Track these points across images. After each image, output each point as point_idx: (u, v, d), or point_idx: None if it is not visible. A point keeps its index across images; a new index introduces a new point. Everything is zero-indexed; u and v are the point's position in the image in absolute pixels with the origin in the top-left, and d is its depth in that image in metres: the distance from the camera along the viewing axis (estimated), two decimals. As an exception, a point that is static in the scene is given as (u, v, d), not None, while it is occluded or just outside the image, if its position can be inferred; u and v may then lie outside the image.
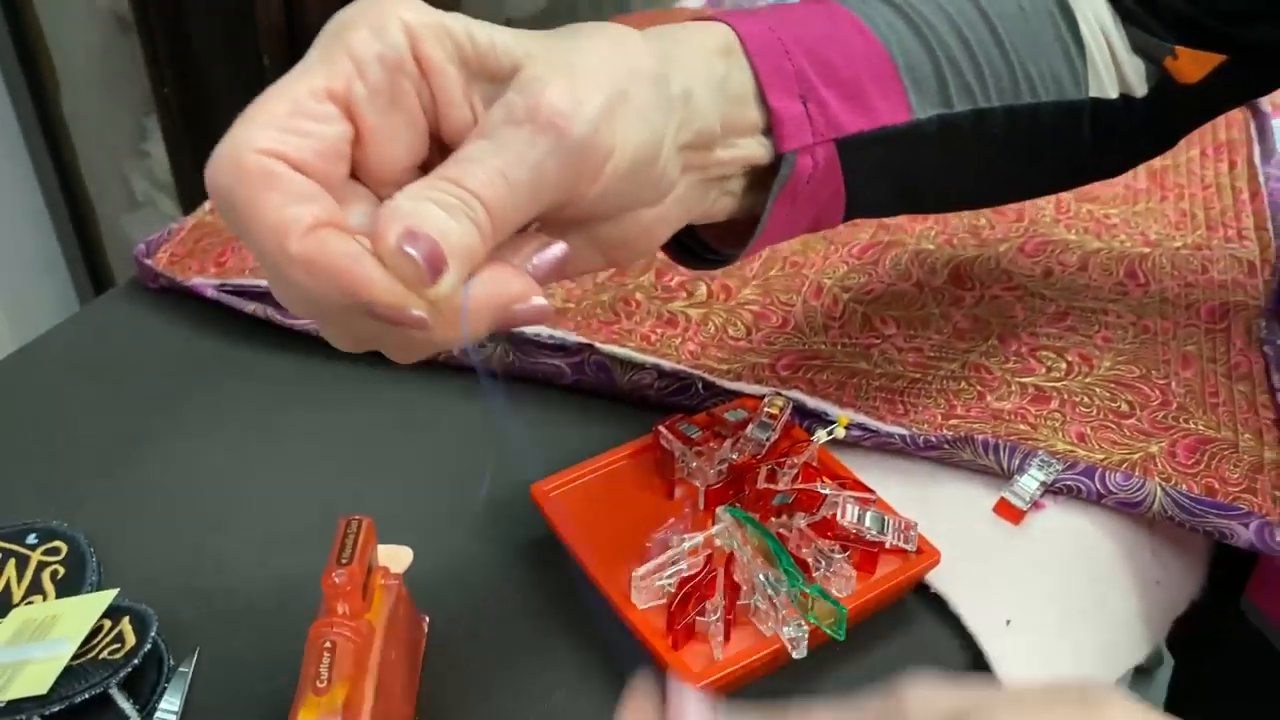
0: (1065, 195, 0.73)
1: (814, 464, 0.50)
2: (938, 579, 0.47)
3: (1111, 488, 0.50)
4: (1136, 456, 0.52)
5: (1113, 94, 0.48)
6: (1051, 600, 0.48)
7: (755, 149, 0.39)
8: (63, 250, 1.39)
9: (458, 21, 0.32)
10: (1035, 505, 0.51)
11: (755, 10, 0.41)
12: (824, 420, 0.53)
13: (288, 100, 0.30)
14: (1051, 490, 0.51)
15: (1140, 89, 0.48)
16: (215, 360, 0.61)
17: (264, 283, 0.61)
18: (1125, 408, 0.55)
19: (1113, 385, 0.56)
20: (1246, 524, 0.48)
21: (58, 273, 1.39)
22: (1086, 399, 0.55)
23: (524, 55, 0.32)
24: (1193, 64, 0.49)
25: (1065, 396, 0.55)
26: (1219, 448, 0.53)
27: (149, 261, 0.65)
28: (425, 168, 0.32)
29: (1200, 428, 0.54)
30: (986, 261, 0.66)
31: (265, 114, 0.30)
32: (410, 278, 0.29)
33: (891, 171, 0.43)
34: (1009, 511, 0.50)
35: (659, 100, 0.34)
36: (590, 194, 0.33)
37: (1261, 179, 0.74)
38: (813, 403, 0.54)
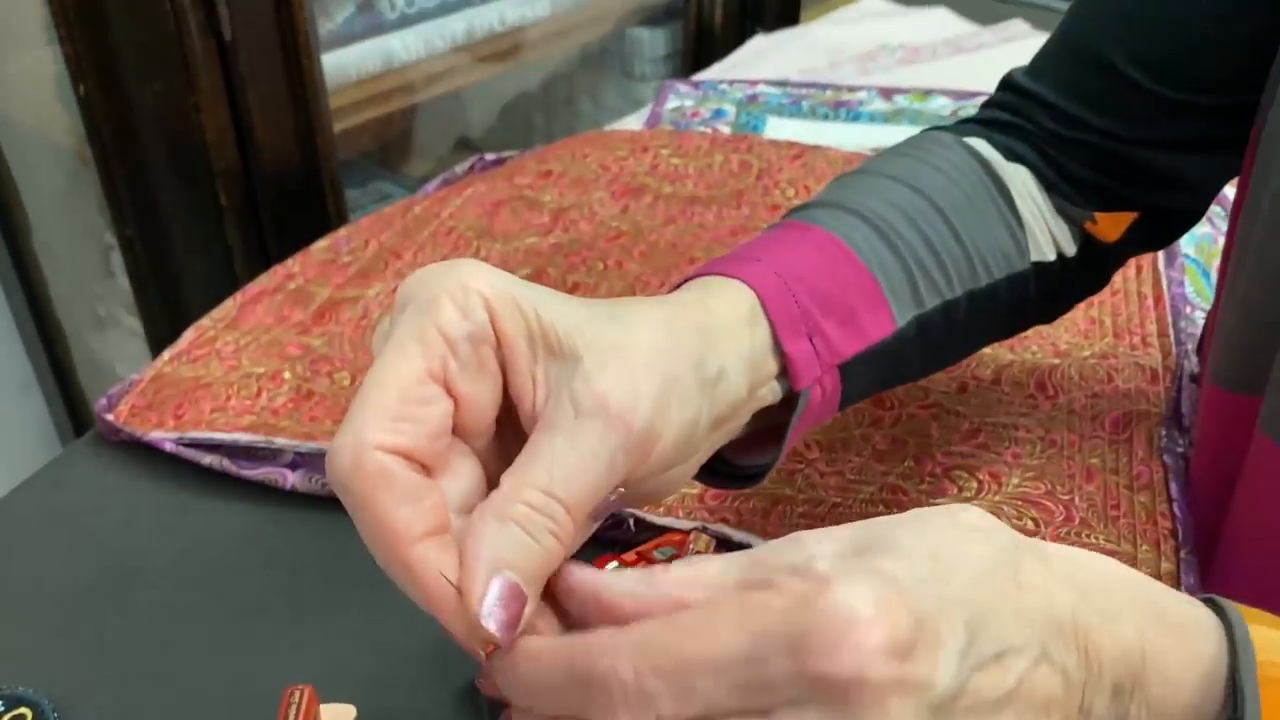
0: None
1: (737, 599, 0.53)
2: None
3: (1016, 608, 0.54)
4: (1041, 574, 0.55)
5: (1050, 256, 0.54)
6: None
7: (769, 395, 0.43)
8: (34, 370, 1.43)
9: (524, 294, 0.36)
10: (947, 627, 0.54)
11: (757, 250, 0.45)
12: (748, 552, 0.57)
13: (397, 389, 0.33)
14: (962, 611, 0.54)
15: (1070, 249, 0.55)
16: (177, 512, 0.64)
17: (221, 435, 0.64)
18: (1031, 525, 0.58)
19: (1020, 503, 0.60)
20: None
21: (31, 393, 1.42)
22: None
23: (582, 344, 0.35)
24: (1111, 225, 0.56)
25: (975, 517, 0.59)
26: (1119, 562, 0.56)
27: (109, 417, 0.68)
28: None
29: (1101, 541, 0.57)
30: (906, 379, 0.70)
31: (380, 407, 0.33)
32: (487, 639, 0.32)
33: (879, 371, 0.48)
34: (922, 636, 0.54)
35: (699, 384, 0.38)
36: (639, 472, 0.36)
37: (1165, 283, 0.79)
38: (738, 535, 0.58)
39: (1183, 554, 0.57)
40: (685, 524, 0.58)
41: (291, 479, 0.63)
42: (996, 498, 0.60)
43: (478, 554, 0.32)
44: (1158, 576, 0.55)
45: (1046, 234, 0.54)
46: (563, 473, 0.33)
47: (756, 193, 0.93)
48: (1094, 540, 0.57)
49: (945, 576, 0.30)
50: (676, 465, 0.39)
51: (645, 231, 0.87)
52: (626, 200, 0.92)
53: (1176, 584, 0.55)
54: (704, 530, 0.57)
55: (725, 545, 0.57)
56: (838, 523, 0.58)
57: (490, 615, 0.32)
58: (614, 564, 0.54)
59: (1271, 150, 0.49)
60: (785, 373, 0.43)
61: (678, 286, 0.45)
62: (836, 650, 0.28)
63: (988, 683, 0.30)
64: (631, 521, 0.59)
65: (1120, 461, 0.63)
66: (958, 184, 0.52)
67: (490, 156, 1.02)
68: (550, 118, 1.45)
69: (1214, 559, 0.57)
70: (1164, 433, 0.65)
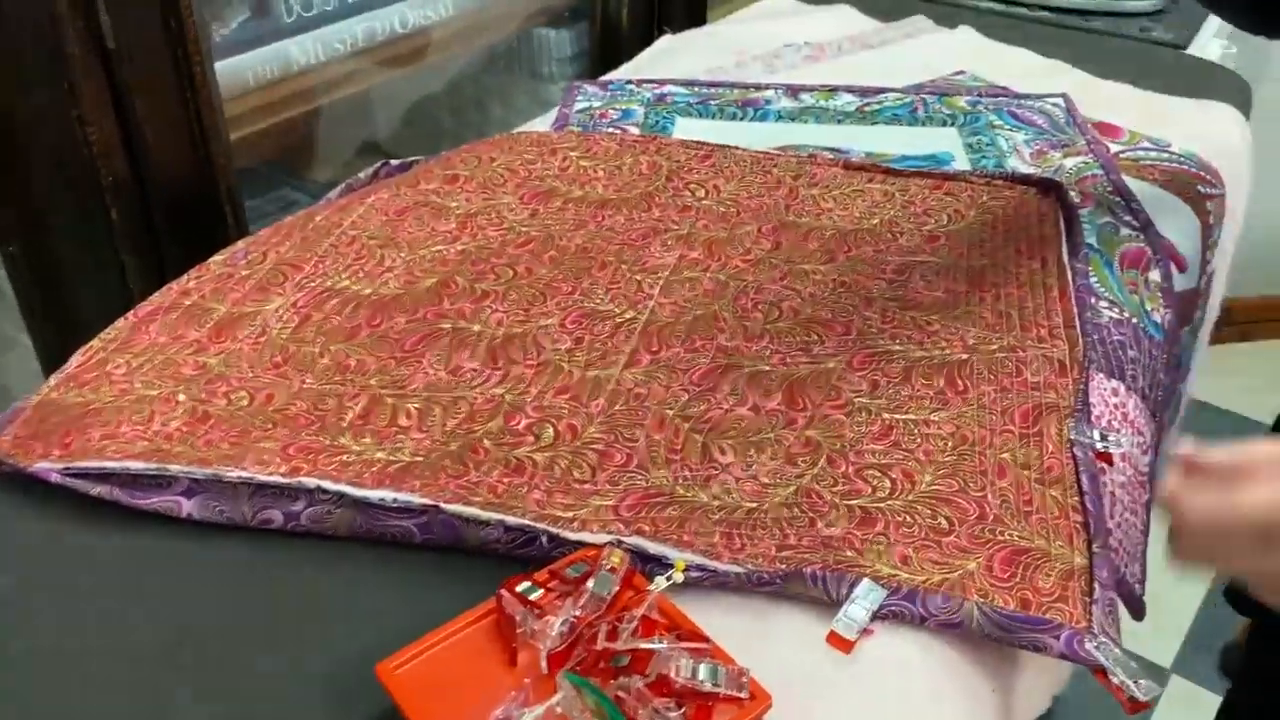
0: (890, 304, 0.77)
1: (654, 615, 0.52)
2: (773, 716, 0.50)
3: (932, 610, 0.54)
4: (956, 575, 0.55)
5: None
6: (883, 727, 0.51)
7: None
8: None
9: None
10: (865, 632, 0.54)
11: None
12: (665, 564, 0.56)
13: None
14: (879, 615, 0.54)
15: None
16: (67, 539, 0.60)
17: (112, 464, 0.61)
18: (945, 524, 0.58)
19: (933, 501, 0.60)
20: (1057, 636, 0.52)
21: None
22: (909, 518, 0.59)
23: None
24: None
25: (889, 517, 0.59)
26: (1032, 558, 0.56)
27: (-9, 448, 0.64)
28: None
29: (1015, 538, 0.58)
30: (818, 379, 0.70)
31: None
32: None
33: None
34: (839, 642, 0.53)
35: None
36: None
37: (1070, 275, 0.80)
38: (653, 548, 0.57)
39: (1095, 547, 0.57)
40: (600, 538, 0.57)
41: (187, 507, 0.60)
42: (910, 497, 0.60)
43: None
44: (1071, 573, 0.56)
45: None
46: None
47: (666, 194, 0.92)
48: (1008, 537, 0.57)
49: None
50: None
51: (555, 236, 0.86)
52: (535, 204, 0.90)
53: (1090, 579, 0.55)
54: (619, 544, 0.56)
55: (641, 558, 0.56)
56: (754, 530, 0.59)
57: None
58: (526, 584, 0.52)
59: None
60: None
61: None
62: None
63: None
64: (544, 539, 0.57)
65: (1031, 456, 0.63)
66: None
67: (395, 162, 1.00)
68: (459, 120, 1.42)
69: None
70: (1073, 425, 0.66)
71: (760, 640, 0.53)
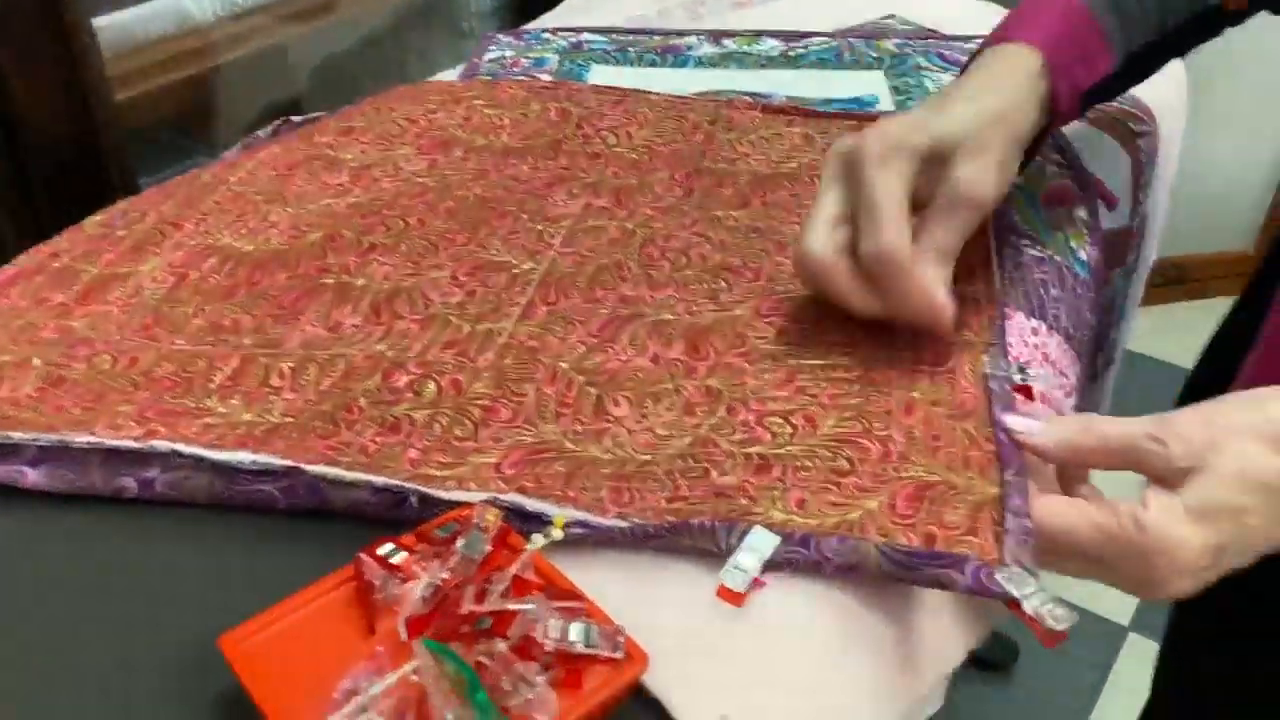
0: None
1: (528, 575, 0.48)
2: (656, 680, 0.46)
3: (828, 554, 0.50)
4: (855, 515, 0.52)
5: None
6: (774, 685, 0.47)
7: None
8: None
9: (918, 139, 0.62)
10: (757, 583, 0.50)
11: (1028, 17, 0.68)
12: (546, 522, 0.52)
13: (899, 204, 0.61)
14: (774, 565, 0.51)
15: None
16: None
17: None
18: (845, 464, 0.55)
19: (834, 444, 0.56)
20: (962, 569, 0.49)
21: None
22: (809, 462, 0.55)
23: (951, 151, 0.62)
24: None
25: (788, 463, 0.55)
26: (939, 492, 0.53)
27: None
28: None
29: (921, 474, 0.54)
30: (723, 326, 0.66)
31: (900, 213, 0.61)
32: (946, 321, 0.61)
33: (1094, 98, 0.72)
34: (729, 595, 0.50)
35: (1017, 151, 0.65)
36: None
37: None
38: (532, 504, 0.53)
39: (1008, 474, 0.54)
40: (476, 496, 0.53)
41: (33, 476, 0.56)
42: (811, 441, 0.56)
43: (935, 280, 0.61)
44: (982, 505, 0.52)
45: None
46: (946, 236, 0.61)
47: (575, 141, 0.88)
48: (912, 474, 0.54)
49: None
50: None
51: (453, 187, 0.81)
52: (435, 155, 0.86)
53: (1001, 508, 0.52)
54: (494, 502, 0.52)
55: (519, 516, 0.52)
56: (644, 484, 0.56)
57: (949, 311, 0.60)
58: (389, 546, 0.48)
59: None
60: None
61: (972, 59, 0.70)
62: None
63: None
64: (414, 499, 0.53)
65: (942, 392, 0.60)
66: None
67: (297, 119, 0.95)
68: (378, 78, 1.36)
69: None
70: (988, 360, 0.62)
71: (646, 600, 0.49)
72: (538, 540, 0.49)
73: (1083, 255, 0.78)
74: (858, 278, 0.62)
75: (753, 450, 0.56)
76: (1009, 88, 0.65)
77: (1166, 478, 0.50)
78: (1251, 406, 0.51)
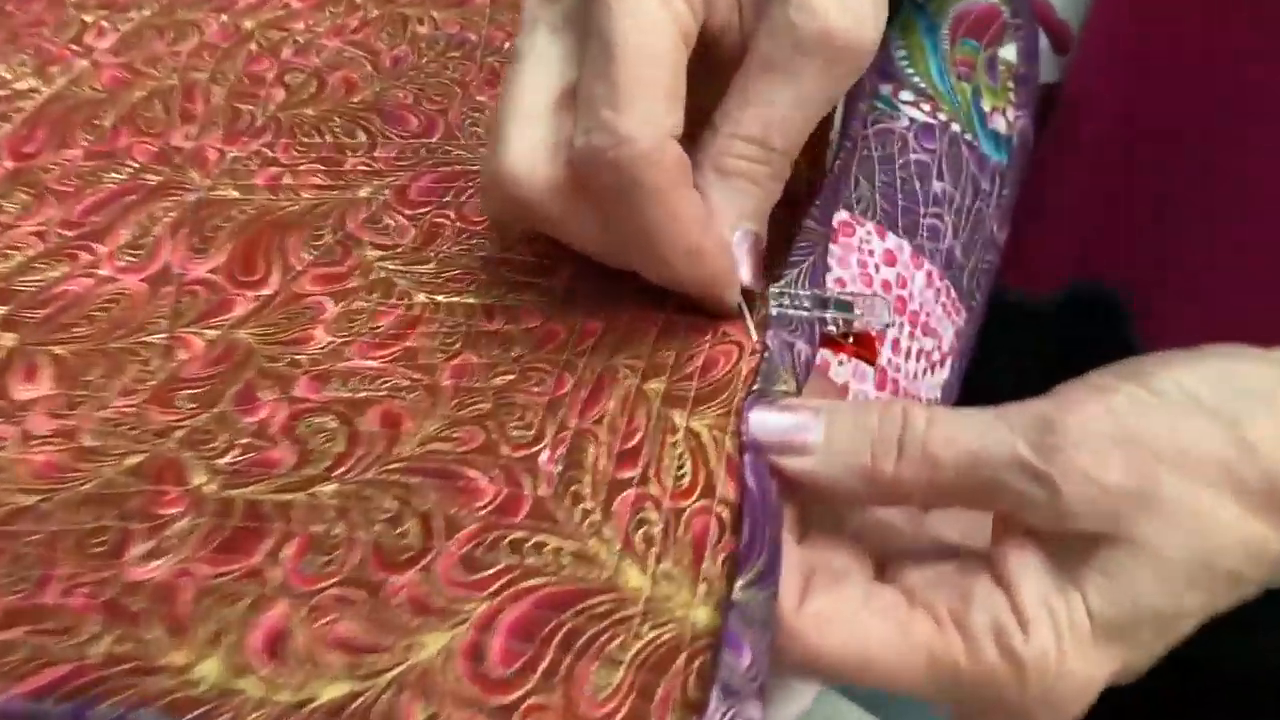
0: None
1: None
2: None
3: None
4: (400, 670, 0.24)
5: None
6: None
7: None
8: None
9: None
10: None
11: None
12: None
13: (671, 68, 0.28)
14: None
15: None
16: None
17: None
18: (411, 542, 0.26)
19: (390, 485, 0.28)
20: None
21: None
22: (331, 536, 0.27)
23: None
24: None
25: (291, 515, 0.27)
26: (588, 615, 0.25)
27: None
28: None
29: (565, 566, 0.26)
30: (320, 220, 0.37)
31: (664, 89, 0.28)
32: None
33: None
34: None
35: None
36: None
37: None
38: None
39: (743, 577, 0.26)
40: None
41: None
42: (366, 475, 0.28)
43: (723, 214, 0.30)
44: (678, 647, 0.25)
45: None
46: (780, 118, 0.30)
47: None
48: (545, 568, 0.26)
49: None
50: None
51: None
52: None
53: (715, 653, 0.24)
54: None
55: None
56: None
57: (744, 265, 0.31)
58: None
59: None
60: None
61: None
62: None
63: None
64: None
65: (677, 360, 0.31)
66: None
67: None
68: None
69: None
70: (775, 295, 0.34)
71: None
72: None
73: (999, 124, 0.49)
74: (579, 196, 0.30)
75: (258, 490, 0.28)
76: None
77: (1053, 539, 0.27)
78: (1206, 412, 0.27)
